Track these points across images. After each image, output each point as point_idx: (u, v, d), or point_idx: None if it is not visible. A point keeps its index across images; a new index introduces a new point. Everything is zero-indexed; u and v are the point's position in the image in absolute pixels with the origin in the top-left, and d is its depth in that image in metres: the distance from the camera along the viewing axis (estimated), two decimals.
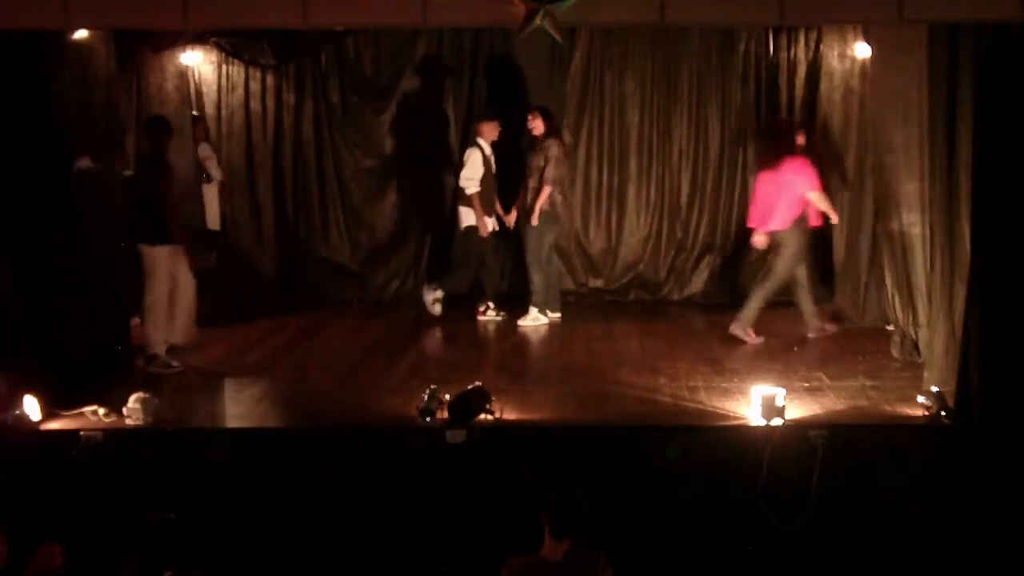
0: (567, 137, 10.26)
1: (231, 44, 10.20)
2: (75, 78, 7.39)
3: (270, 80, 10.57)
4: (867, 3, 6.44)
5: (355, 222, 10.83)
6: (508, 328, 9.64)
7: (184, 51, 10.11)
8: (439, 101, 10.69)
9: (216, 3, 6.41)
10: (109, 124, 8.10)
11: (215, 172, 9.89)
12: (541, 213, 9.54)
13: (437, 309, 9.87)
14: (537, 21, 6.03)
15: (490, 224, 9.81)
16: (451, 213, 10.42)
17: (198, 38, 9.97)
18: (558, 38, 6.35)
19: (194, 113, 10.10)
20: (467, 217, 9.76)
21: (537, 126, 9.59)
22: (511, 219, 9.97)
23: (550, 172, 9.47)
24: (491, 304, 9.94)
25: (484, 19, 6.77)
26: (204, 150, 9.83)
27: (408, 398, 7.14)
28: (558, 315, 9.84)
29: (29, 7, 6.34)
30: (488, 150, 9.70)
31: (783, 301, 10.45)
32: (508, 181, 9.96)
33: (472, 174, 9.62)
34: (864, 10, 6.58)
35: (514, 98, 10.44)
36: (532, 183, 9.59)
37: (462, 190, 9.73)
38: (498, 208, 9.98)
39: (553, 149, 9.50)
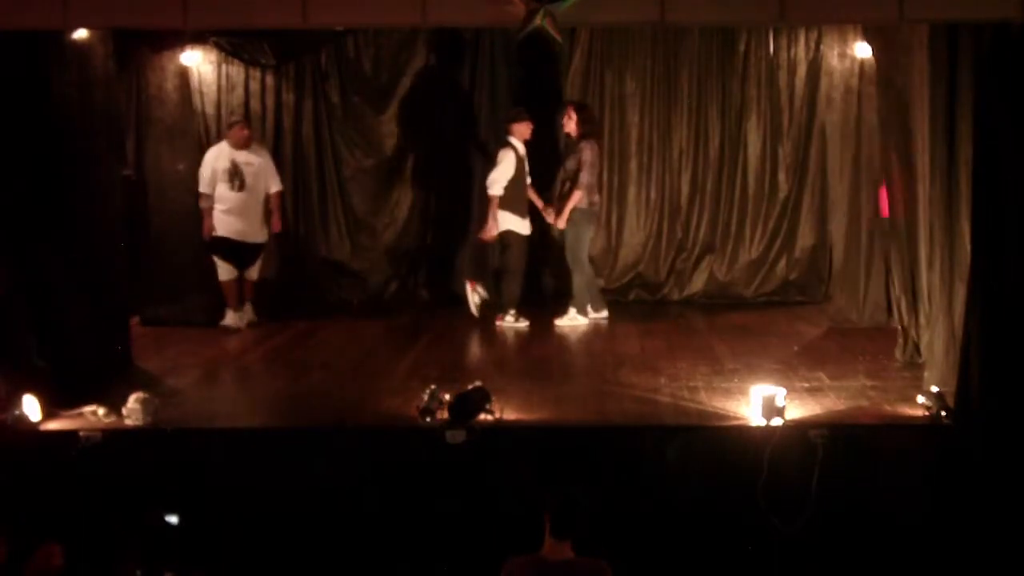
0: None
1: (231, 44, 10.18)
2: (75, 78, 7.38)
3: (270, 80, 10.56)
4: (867, 3, 6.44)
5: (355, 222, 10.82)
6: (509, 328, 9.62)
7: (184, 51, 10.10)
8: (439, 100, 10.67)
9: (216, 3, 6.41)
10: (109, 124, 8.09)
11: (251, 180, 9.48)
12: (579, 213, 9.46)
13: (523, 324, 9.63)
14: (537, 21, 6.03)
15: (526, 227, 9.68)
16: (473, 218, 10.44)
17: (198, 38, 9.96)
18: (558, 38, 6.34)
19: (235, 119, 9.81)
20: (504, 221, 9.58)
21: (570, 125, 9.50)
22: (551, 214, 9.78)
23: (583, 178, 9.38)
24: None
25: (484, 19, 6.78)
26: (243, 156, 9.44)
27: (408, 398, 7.14)
28: (604, 314, 9.73)
29: (29, 7, 6.34)
30: (522, 150, 9.56)
31: (782, 301, 10.52)
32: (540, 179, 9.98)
33: (500, 176, 9.45)
34: (864, 10, 6.58)
35: (515, 98, 10.44)
36: (569, 187, 9.51)
37: (505, 195, 9.51)
38: (538, 202, 9.81)
39: (586, 153, 9.39)
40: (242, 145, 9.47)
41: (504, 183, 9.47)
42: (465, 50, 10.57)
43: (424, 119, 10.66)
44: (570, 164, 9.51)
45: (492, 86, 10.60)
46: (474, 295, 9.78)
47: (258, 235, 9.63)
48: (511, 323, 9.63)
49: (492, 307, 9.84)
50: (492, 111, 10.59)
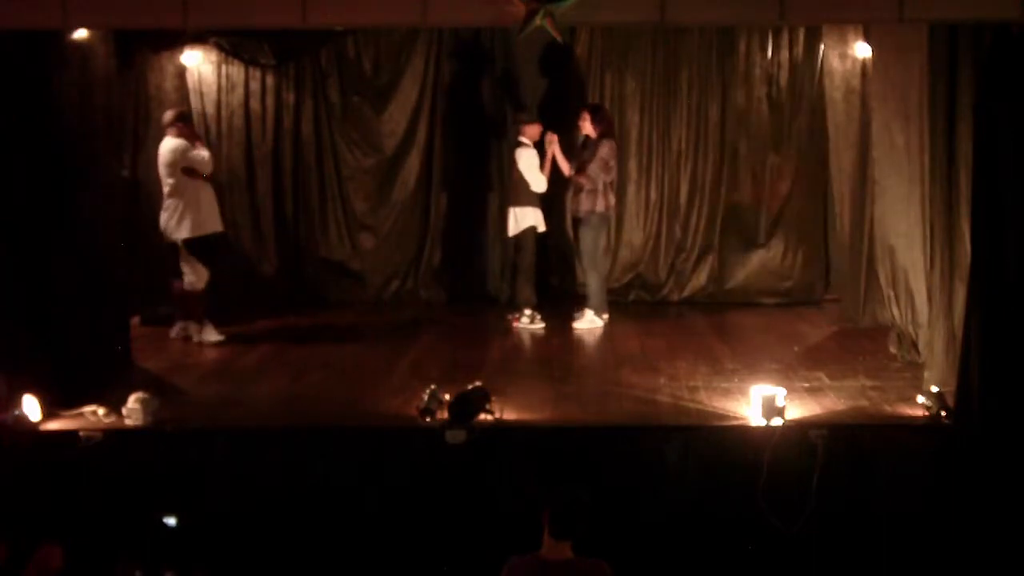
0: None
1: (231, 44, 10.17)
2: (75, 78, 7.39)
3: (270, 80, 10.55)
4: (867, 3, 6.44)
5: (355, 222, 10.80)
6: (508, 328, 9.62)
7: (184, 51, 10.09)
8: (439, 101, 10.67)
9: (216, 3, 6.41)
10: (109, 124, 8.09)
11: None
12: (596, 216, 9.43)
13: (538, 326, 9.59)
14: (537, 21, 6.03)
15: (542, 223, 9.68)
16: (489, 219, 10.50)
17: (198, 38, 9.96)
18: (558, 38, 6.34)
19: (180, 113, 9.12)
20: (524, 219, 9.56)
21: (586, 127, 9.47)
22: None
23: (592, 170, 9.33)
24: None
25: (484, 19, 6.78)
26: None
27: (408, 398, 7.14)
28: (606, 317, 9.67)
29: (29, 7, 6.34)
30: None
31: (782, 301, 10.51)
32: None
33: (535, 172, 9.45)
34: (864, 10, 6.58)
35: (513, 98, 10.45)
36: (587, 184, 9.43)
37: (520, 192, 9.53)
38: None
39: (603, 149, 9.35)
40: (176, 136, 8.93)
41: (542, 177, 9.50)
42: (465, 50, 10.56)
43: (424, 119, 10.65)
44: (585, 159, 9.49)
45: (493, 86, 10.60)
46: (527, 320, 9.63)
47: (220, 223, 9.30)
48: (526, 324, 9.58)
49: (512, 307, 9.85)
50: (493, 111, 10.60)
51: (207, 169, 9.03)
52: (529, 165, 9.49)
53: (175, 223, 8.86)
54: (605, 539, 5.01)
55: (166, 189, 8.89)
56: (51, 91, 7.16)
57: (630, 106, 10.58)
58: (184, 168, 8.83)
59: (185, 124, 9.04)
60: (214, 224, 9.11)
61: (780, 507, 6.38)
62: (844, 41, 9.34)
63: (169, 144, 8.86)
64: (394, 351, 8.75)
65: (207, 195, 9.04)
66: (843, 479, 6.47)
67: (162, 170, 8.90)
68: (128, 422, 6.76)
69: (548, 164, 9.62)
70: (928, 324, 7.55)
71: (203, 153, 8.99)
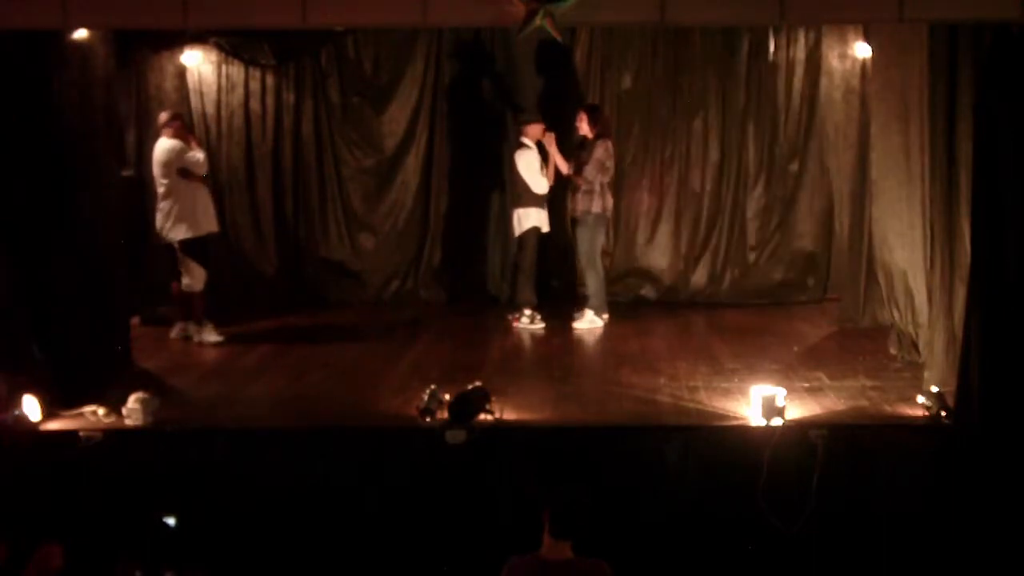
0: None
1: (231, 44, 10.18)
2: (76, 78, 7.39)
3: (270, 80, 10.55)
4: (867, 3, 6.45)
5: (355, 222, 10.81)
6: (508, 328, 9.62)
7: (184, 51, 10.09)
8: (439, 101, 10.67)
9: (216, 3, 6.41)
10: (109, 124, 8.09)
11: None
12: (593, 217, 9.43)
13: (539, 326, 9.56)
14: (537, 21, 6.04)
15: (546, 223, 9.69)
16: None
17: (198, 38, 9.96)
18: (558, 38, 6.35)
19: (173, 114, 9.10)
20: (527, 219, 9.58)
21: (583, 127, 9.47)
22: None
23: (588, 171, 9.34)
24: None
25: (484, 19, 6.78)
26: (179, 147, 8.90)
27: (408, 398, 7.14)
28: (606, 317, 9.66)
29: (29, 7, 6.34)
30: (535, 149, 9.59)
31: (781, 301, 10.51)
32: None
33: (534, 174, 9.47)
34: (864, 10, 6.58)
35: (516, 97, 10.45)
36: (583, 184, 9.45)
37: (522, 193, 9.54)
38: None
39: (598, 151, 9.36)
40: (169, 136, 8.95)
41: (542, 178, 9.52)
42: (465, 50, 10.56)
43: (424, 119, 10.65)
44: (583, 159, 9.49)
45: (493, 86, 10.60)
46: (527, 320, 9.62)
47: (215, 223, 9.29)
48: (526, 324, 9.57)
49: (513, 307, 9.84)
50: (493, 111, 10.60)
51: (202, 170, 9.03)
52: (528, 166, 9.50)
53: (171, 224, 8.86)
54: (605, 539, 5.01)
55: (160, 190, 8.88)
56: (51, 91, 7.17)
57: (630, 106, 10.58)
58: (179, 169, 8.84)
59: (181, 125, 9.05)
60: (210, 225, 9.12)
61: (780, 507, 6.38)
62: (844, 41, 9.35)
63: (165, 145, 8.86)
64: (394, 351, 8.75)
65: (202, 196, 9.04)
66: (843, 479, 6.46)
67: (157, 170, 8.89)
68: (128, 422, 6.76)
69: (550, 164, 9.62)
70: (928, 324, 7.55)
71: (198, 154, 8.99)
